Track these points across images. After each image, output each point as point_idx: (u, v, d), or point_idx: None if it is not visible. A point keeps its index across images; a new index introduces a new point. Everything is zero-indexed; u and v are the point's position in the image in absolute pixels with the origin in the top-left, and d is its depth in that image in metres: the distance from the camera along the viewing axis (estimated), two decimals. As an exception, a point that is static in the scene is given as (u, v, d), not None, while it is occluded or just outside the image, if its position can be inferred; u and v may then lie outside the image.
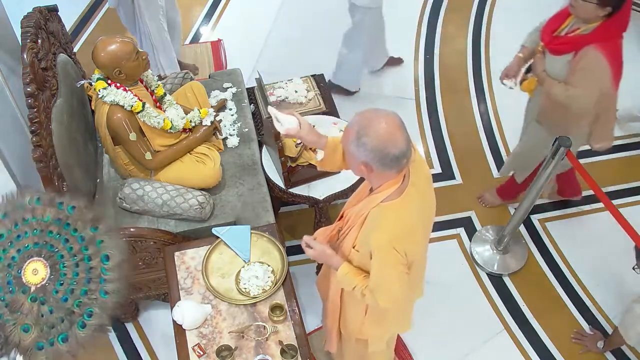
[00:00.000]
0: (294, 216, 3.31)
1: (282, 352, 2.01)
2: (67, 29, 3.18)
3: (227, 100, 3.10)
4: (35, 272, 1.61)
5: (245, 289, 2.19)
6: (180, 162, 2.70)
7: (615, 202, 3.13)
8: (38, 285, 1.60)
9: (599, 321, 2.91)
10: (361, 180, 1.91)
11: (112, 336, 2.86)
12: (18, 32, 2.59)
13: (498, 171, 3.52)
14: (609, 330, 2.82)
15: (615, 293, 2.99)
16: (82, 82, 2.67)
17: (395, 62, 4.15)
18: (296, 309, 2.17)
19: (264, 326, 2.10)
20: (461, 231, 3.28)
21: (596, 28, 2.40)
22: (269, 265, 2.25)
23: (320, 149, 1.94)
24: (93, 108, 2.62)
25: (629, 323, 2.50)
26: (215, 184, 2.70)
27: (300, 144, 2.64)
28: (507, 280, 3.07)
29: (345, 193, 2.65)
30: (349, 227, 1.82)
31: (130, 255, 2.48)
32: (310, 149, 2.70)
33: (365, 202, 1.74)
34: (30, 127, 2.28)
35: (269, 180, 2.73)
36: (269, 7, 4.64)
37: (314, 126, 1.96)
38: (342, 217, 1.93)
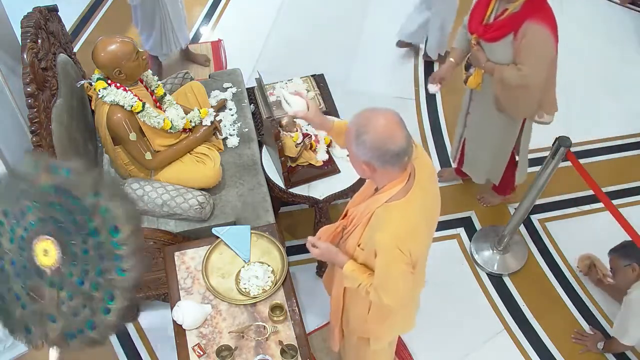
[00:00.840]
0: (294, 216, 3.31)
1: (282, 352, 2.01)
2: (67, 29, 3.18)
3: (227, 100, 3.10)
4: (46, 252, 1.40)
5: (245, 289, 2.19)
6: (180, 162, 2.70)
7: (615, 202, 3.12)
8: (53, 268, 1.40)
9: (599, 321, 2.91)
10: (362, 180, 1.92)
11: (112, 336, 2.86)
12: (18, 32, 2.59)
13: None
14: (610, 330, 2.82)
15: (615, 293, 2.99)
16: (82, 82, 2.68)
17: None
18: (296, 309, 2.17)
19: (264, 326, 2.10)
20: (461, 231, 3.28)
21: (525, 2, 2.39)
22: (269, 265, 2.25)
23: (327, 132, 1.97)
24: (93, 108, 2.62)
25: (626, 319, 2.51)
26: (215, 184, 2.70)
27: (300, 144, 2.64)
28: (507, 280, 3.07)
29: (345, 193, 2.65)
30: (354, 225, 1.82)
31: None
32: (310, 148, 2.70)
33: (370, 201, 1.74)
34: (30, 127, 2.28)
35: (269, 180, 2.73)
36: (269, 7, 4.64)
37: (320, 107, 1.97)
38: (345, 215, 1.93)
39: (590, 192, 3.19)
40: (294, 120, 2.69)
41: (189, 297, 2.21)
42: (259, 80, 2.82)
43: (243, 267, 2.26)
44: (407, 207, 1.66)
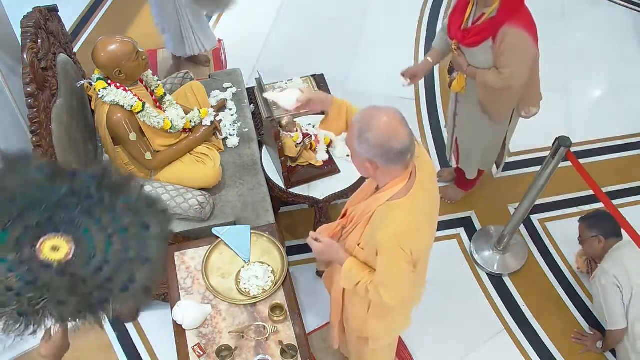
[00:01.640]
0: (294, 216, 3.31)
1: (282, 352, 2.01)
2: (67, 29, 3.18)
3: (227, 100, 3.10)
4: (56, 249, 1.45)
5: (245, 289, 2.19)
6: (180, 162, 2.70)
7: (615, 202, 3.12)
8: (62, 261, 1.45)
9: (599, 321, 2.91)
10: (362, 180, 1.91)
11: (112, 336, 2.87)
12: (18, 32, 2.59)
13: (497, 169, 3.53)
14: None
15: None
16: (82, 82, 2.67)
17: None
18: (296, 309, 2.17)
19: (264, 326, 2.10)
20: (461, 231, 3.28)
21: (500, 6, 2.39)
22: (269, 265, 2.25)
23: (326, 110, 1.90)
24: (93, 108, 2.62)
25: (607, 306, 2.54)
26: (215, 184, 2.70)
27: (300, 144, 2.64)
28: (507, 280, 3.07)
29: (345, 193, 2.65)
30: (354, 224, 1.82)
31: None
32: (310, 148, 2.70)
33: (371, 200, 1.74)
34: (30, 127, 2.28)
35: (269, 180, 2.73)
36: (269, 7, 4.64)
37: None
38: (345, 214, 1.93)
39: (590, 192, 3.19)
40: (294, 120, 2.69)
41: (189, 297, 2.21)
42: (259, 80, 2.82)
43: (243, 267, 2.26)
44: (409, 206, 1.66)
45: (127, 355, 2.82)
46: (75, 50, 3.14)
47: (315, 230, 2.00)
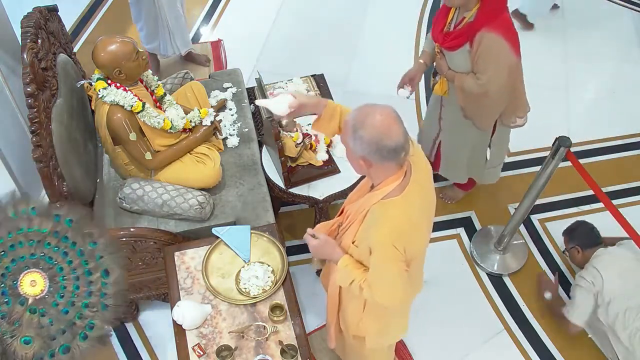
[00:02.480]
0: (294, 216, 3.31)
1: (282, 352, 2.01)
2: (67, 29, 3.18)
3: (227, 100, 3.10)
4: (34, 283, 1.60)
5: (245, 289, 2.19)
6: (180, 162, 2.70)
7: (615, 202, 3.12)
8: (37, 297, 1.60)
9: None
10: (362, 180, 1.91)
11: (112, 336, 2.86)
12: (18, 32, 2.59)
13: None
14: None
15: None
16: (82, 82, 2.68)
17: None
18: (296, 309, 2.17)
19: (264, 326, 2.10)
20: (461, 231, 3.28)
21: (478, 10, 2.39)
22: (269, 265, 2.25)
23: (319, 113, 1.88)
24: (93, 108, 2.63)
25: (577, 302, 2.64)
26: (215, 184, 2.70)
27: (300, 144, 2.64)
28: (507, 280, 3.07)
29: (345, 193, 2.65)
30: (349, 222, 1.82)
31: (130, 254, 2.48)
32: (310, 148, 2.70)
33: (366, 198, 1.74)
34: (30, 127, 2.28)
35: (269, 180, 2.73)
36: (269, 7, 4.64)
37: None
38: (342, 212, 1.93)
39: (590, 192, 3.19)
40: (294, 120, 2.69)
41: (189, 297, 2.21)
42: (259, 80, 2.82)
43: (243, 267, 2.26)
44: (403, 204, 1.66)
45: (127, 355, 2.82)
46: (75, 50, 3.14)
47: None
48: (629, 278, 2.59)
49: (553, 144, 2.52)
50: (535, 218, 3.32)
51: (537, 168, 2.76)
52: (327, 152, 2.73)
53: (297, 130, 2.66)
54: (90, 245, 1.71)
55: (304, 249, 3.07)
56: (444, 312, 2.91)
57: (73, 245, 1.68)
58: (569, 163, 2.58)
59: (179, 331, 2.12)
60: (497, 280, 3.07)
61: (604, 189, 2.70)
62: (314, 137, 2.71)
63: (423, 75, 2.76)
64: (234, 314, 2.16)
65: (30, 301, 1.59)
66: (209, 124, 2.76)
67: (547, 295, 2.84)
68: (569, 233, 2.90)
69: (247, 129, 2.98)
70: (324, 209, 2.78)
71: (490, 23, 2.39)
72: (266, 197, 2.71)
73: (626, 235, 2.47)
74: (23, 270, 1.61)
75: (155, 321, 2.90)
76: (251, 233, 2.38)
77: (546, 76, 4.08)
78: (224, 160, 2.81)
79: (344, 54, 4.25)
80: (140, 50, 2.50)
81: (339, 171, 2.70)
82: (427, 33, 4.42)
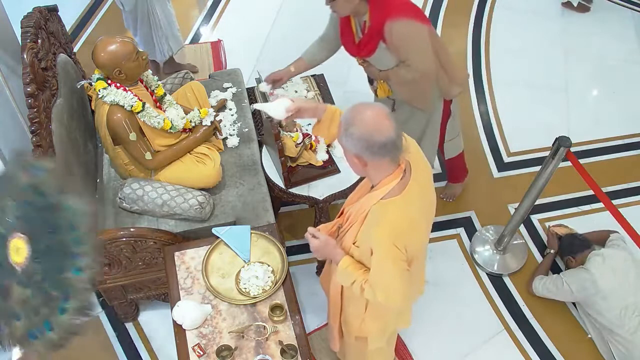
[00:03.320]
0: (294, 216, 3.31)
1: (282, 352, 2.01)
2: (67, 29, 3.18)
3: (227, 100, 3.10)
4: (18, 250, 1.40)
5: (245, 289, 2.19)
6: (180, 162, 2.70)
7: (615, 202, 3.12)
8: (22, 266, 1.39)
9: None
10: (362, 180, 1.91)
11: (112, 336, 2.87)
12: (18, 32, 2.59)
13: (498, 171, 3.53)
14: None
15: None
16: (82, 82, 2.68)
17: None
18: (296, 309, 2.17)
19: (264, 326, 2.10)
20: (461, 231, 3.28)
21: (370, 10, 2.41)
22: (269, 265, 2.25)
23: (318, 117, 1.92)
24: (93, 108, 2.63)
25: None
26: (215, 184, 2.70)
27: (300, 144, 2.64)
28: (507, 280, 3.07)
29: (345, 193, 2.65)
30: (350, 223, 1.82)
31: (130, 254, 2.48)
32: (310, 148, 2.70)
33: (366, 198, 1.74)
34: (30, 127, 2.28)
35: (269, 180, 2.73)
36: (268, 7, 4.64)
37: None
38: (342, 213, 1.93)
39: (590, 192, 3.19)
40: (294, 120, 2.69)
41: (189, 297, 2.21)
42: (259, 80, 2.82)
43: (243, 267, 2.26)
44: (403, 204, 1.66)
45: (127, 355, 2.81)
46: (75, 50, 3.14)
47: None
48: (622, 278, 2.65)
49: (553, 144, 2.52)
50: (535, 218, 3.32)
51: (537, 168, 2.76)
52: (327, 152, 2.73)
53: (297, 130, 2.66)
54: (57, 194, 1.44)
55: (304, 249, 3.07)
56: (444, 312, 2.91)
57: (44, 199, 1.44)
58: (569, 163, 2.59)
59: (179, 331, 2.12)
60: (497, 280, 3.07)
61: (604, 189, 2.70)
62: (314, 137, 2.71)
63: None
64: (234, 314, 2.16)
65: (19, 271, 1.39)
66: (209, 124, 2.76)
67: (549, 251, 2.95)
68: (561, 246, 3.04)
69: (247, 129, 2.98)
70: (324, 209, 2.78)
71: (387, 13, 2.40)
72: (266, 197, 2.71)
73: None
74: (10, 237, 1.40)
75: (155, 321, 2.90)
76: (251, 233, 2.38)
77: (546, 76, 4.08)
78: (224, 160, 2.81)
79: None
80: (140, 50, 2.50)
81: (339, 171, 2.69)
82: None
